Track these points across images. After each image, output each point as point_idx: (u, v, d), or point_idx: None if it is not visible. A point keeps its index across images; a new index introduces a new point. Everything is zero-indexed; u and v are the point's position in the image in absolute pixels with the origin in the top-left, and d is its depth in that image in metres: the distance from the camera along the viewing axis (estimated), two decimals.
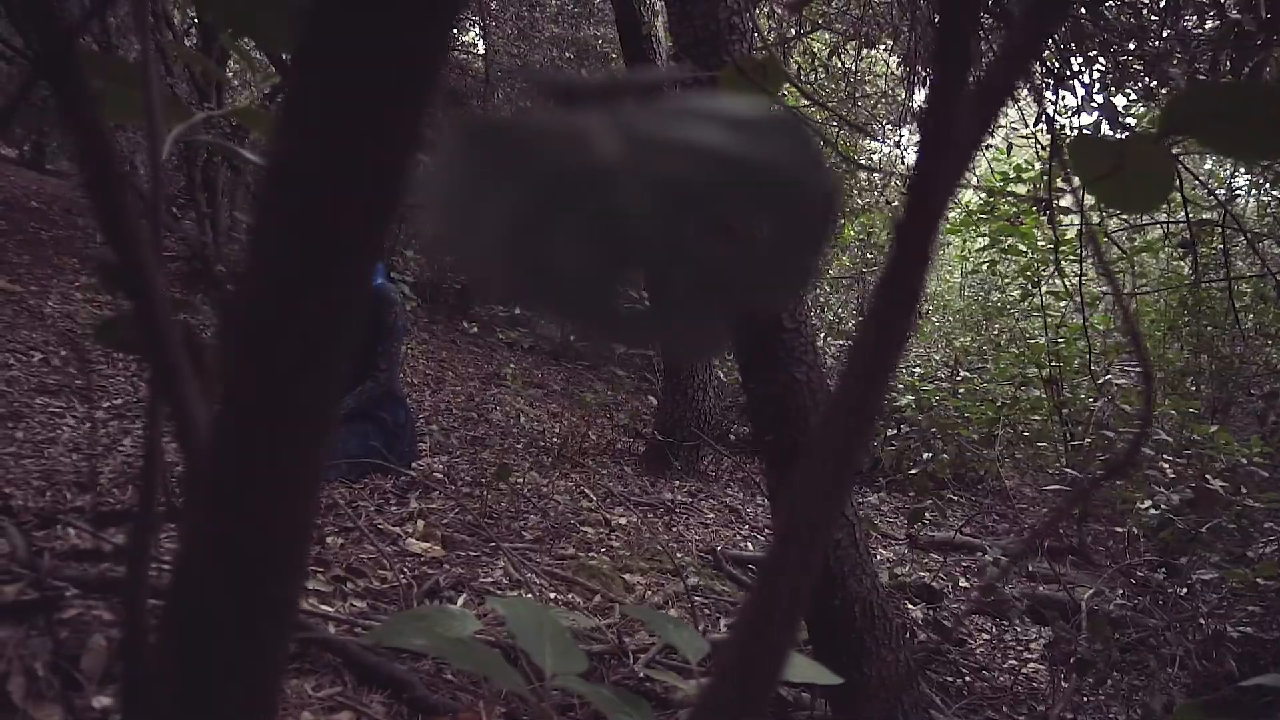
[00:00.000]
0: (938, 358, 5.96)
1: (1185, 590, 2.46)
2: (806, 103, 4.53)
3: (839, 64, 5.72)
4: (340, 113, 0.32)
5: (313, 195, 0.33)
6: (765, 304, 0.16)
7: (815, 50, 5.98)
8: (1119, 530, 2.98)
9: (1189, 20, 2.70)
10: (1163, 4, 2.57)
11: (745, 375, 1.56)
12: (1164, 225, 3.96)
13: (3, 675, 1.28)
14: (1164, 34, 2.47)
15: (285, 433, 0.39)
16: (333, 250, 0.33)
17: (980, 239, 5.26)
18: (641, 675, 1.62)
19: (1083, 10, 2.34)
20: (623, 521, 3.13)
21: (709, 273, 0.16)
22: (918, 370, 5.41)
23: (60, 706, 1.30)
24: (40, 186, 8.51)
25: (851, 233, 6.78)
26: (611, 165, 0.18)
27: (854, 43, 4.38)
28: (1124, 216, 4.48)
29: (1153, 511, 2.66)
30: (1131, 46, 2.50)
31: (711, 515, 3.74)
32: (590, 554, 2.62)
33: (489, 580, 2.17)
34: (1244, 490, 2.86)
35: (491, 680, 1.65)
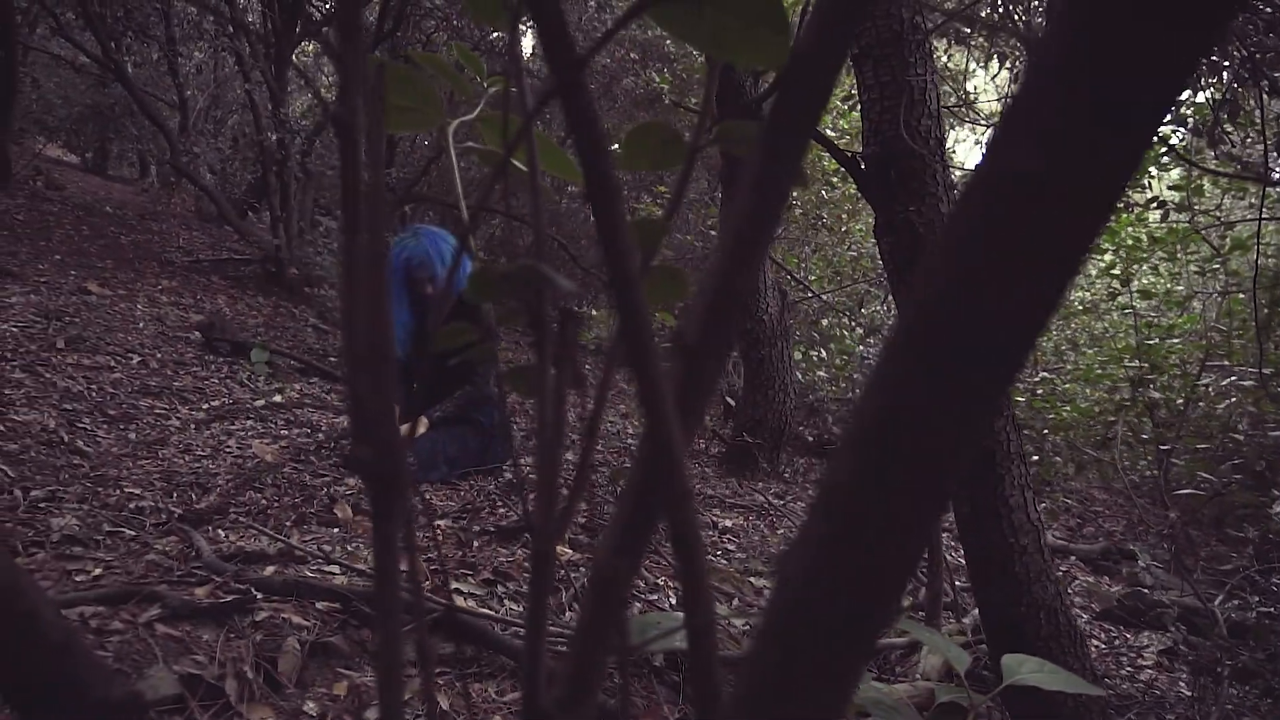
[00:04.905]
0: None
1: None
2: None
3: None
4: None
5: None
6: None
7: None
8: (1238, 535, 2.92)
9: None
10: None
11: None
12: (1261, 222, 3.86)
13: (219, 677, 1.30)
14: None
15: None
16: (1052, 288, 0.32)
17: None
18: None
19: None
20: (728, 524, 3.11)
21: None
22: None
23: (270, 709, 1.32)
24: (109, 192, 8.69)
25: None
26: None
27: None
28: (1216, 214, 4.38)
29: None
30: None
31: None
32: (708, 557, 2.62)
33: None
34: None
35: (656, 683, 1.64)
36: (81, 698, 0.54)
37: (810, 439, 5.31)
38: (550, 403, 0.66)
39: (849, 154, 1.54)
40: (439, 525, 2.58)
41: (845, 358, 5.73)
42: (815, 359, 5.87)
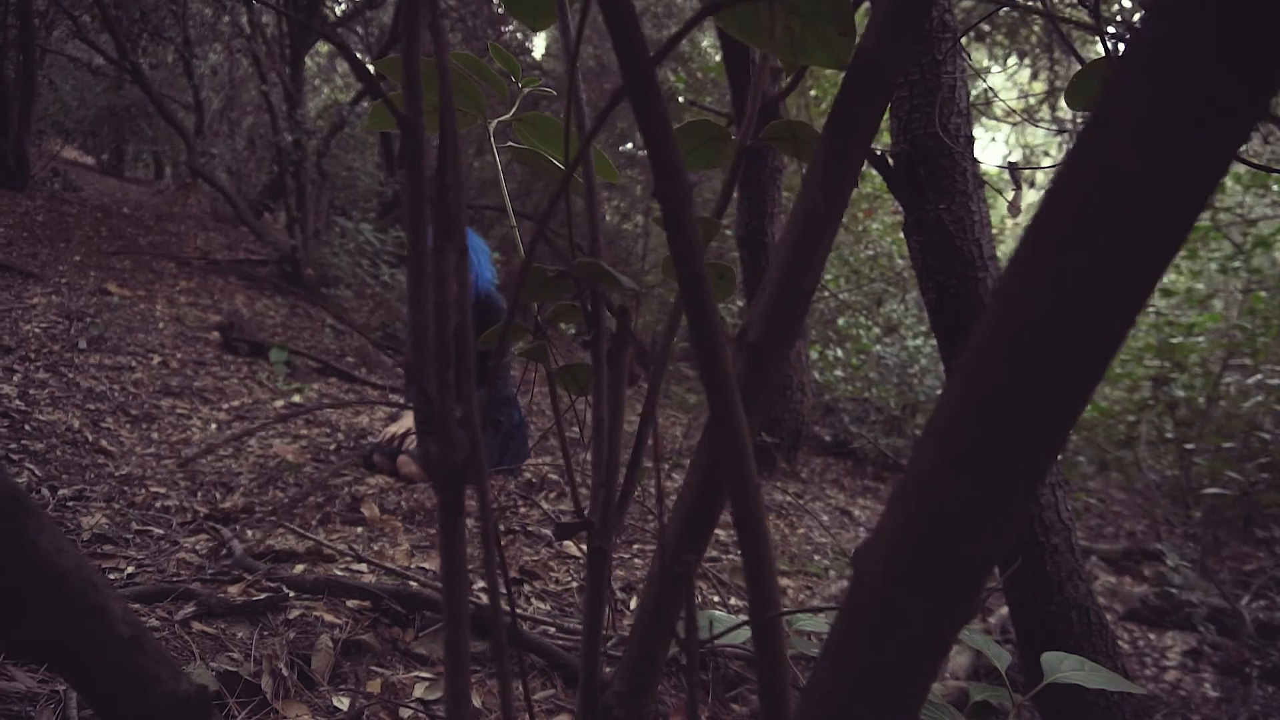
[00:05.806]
0: None
1: None
2: None
3: None
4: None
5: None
6: None
7: None
8: (1265, 535, 2.89)
9: None
10: None
11: None
12: None
13: (254, 674, 1.31)
14: None
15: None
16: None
17: None
18: None
19: None
20: None
21: None
22: None
23: (306, 706, 1.32)
24: (126, 193, 8.74)
25: None
26: None
27: None
28: (1237, 211, 4.35)
29: None
30: None
31: (825, 517, 3.71)
32: (730, 555, 2.62)
33: None
34: None
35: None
36: (151, 691, 0.55)
37: (827, 438, 5.30)
38: (607, 400, 0.66)
39: (879, 152, 1.54)
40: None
41: (862, 357, 5.71)
42: (831, 358, 5.86)
